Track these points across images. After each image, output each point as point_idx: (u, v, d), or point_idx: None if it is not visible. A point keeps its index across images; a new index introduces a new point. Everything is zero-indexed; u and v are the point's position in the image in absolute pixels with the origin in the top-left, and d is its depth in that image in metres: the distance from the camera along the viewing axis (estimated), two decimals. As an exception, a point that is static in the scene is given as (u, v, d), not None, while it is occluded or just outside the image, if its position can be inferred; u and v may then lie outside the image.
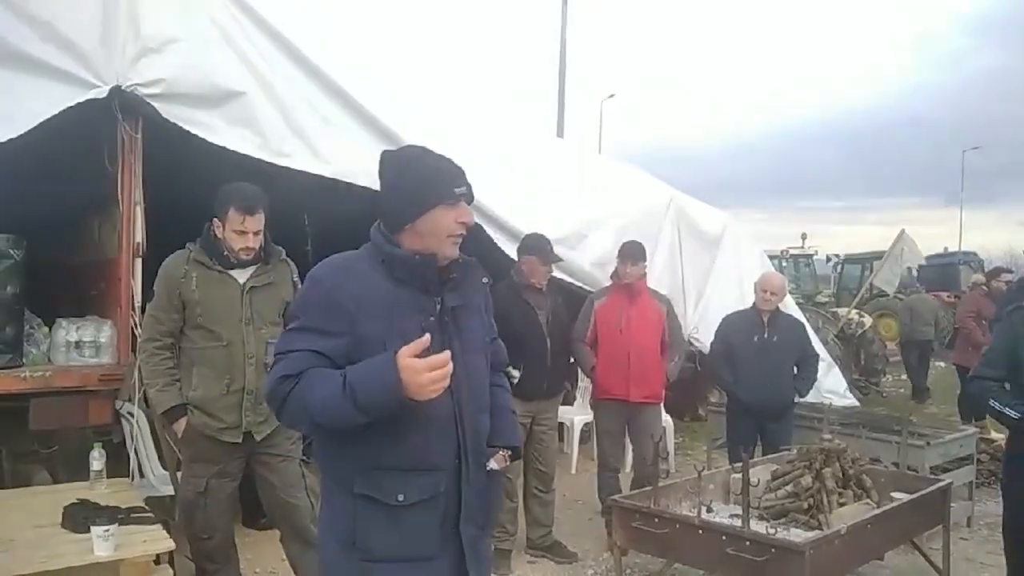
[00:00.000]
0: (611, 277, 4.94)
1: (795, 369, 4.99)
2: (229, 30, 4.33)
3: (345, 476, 1.85)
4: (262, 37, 4.48)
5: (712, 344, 5.17)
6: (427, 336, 1.67)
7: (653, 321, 4.73)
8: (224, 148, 4.26)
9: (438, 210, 1.83)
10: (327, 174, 4.60)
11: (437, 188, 1.84)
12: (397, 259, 1.83)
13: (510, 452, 2.05)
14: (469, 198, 1.89)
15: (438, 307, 1.86)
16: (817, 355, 5.25)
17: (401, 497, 1.79)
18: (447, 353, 1.68)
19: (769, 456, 4.52)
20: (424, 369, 1.63)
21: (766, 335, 4.87)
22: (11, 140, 3.70)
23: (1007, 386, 3.28)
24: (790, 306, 7.87)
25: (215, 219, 3.31)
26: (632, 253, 4.70)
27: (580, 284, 5.92)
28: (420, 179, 1.86)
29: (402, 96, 5.15)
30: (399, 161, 1.92)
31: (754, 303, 5.00)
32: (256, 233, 3.31)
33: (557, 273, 4.90)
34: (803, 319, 8.23)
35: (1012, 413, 3.19)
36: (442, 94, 5.95)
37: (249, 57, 4.36)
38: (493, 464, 1.96)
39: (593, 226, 6.10)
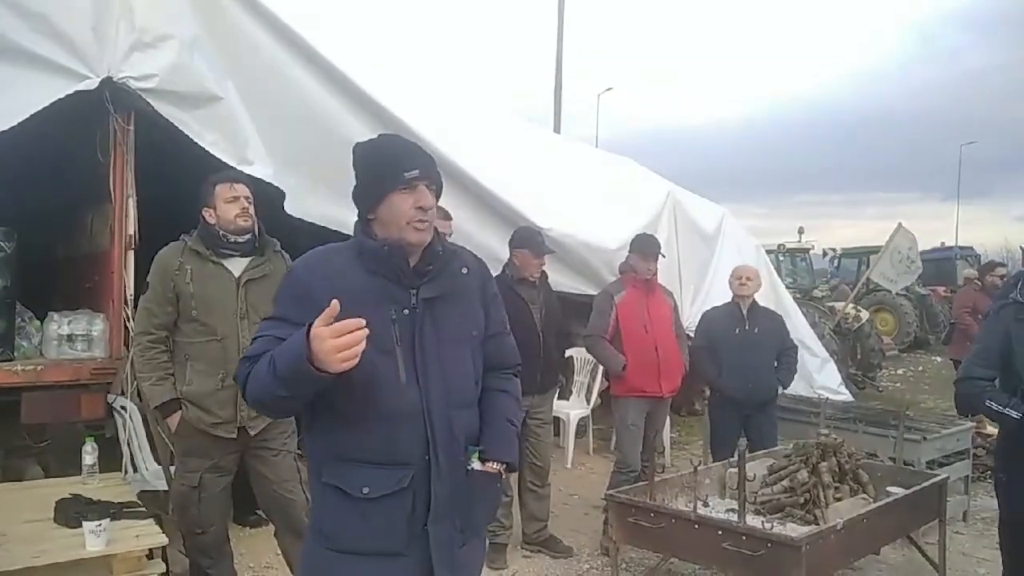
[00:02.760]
0: (621, 270, 4.91)
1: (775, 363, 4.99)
2: (222, 28, 4.32)
3: (316, 465, 1.86)
4: (261, 34, 4.46)
5: (694, 339, 5.15)
6: (335, 303, 1.55)
7: (667, 315, 4.73)
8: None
9: (393, 197, 1.79)
10: (282, 187, 4.57)
11: (387, 174, 1.80)
12: (368, 250, 1.81)
13: (504, 465, 1.93)
14: (429, 179, 1.82)
15: (413, 298, 1.81)
16: (796, 346, 5.27)
17: (366, 490, 1.75)
18: (358, 320, 1.56)
19: (765, 450, 4.52)
20: (327, 336, 1.53)
21: (747, 327, 4.88)
22: (2, 132, 3.68)
23: (997, 384, 3.19)
24: (785, 299, 7.90)
25: (204, 210, 3.30)
26: (652, 248, 4.65)
27: (574, 287, 5.92)
28: (373, 167, 1.84)
29: (405, 95, 5.13)
30: (360, 151, 1.89)
31: (732, 296, 5.02)
32: (248, 199, 3.32)
33: (553, 279, 4.85)
34: (799, 312, 8.24)
35: (1014, 414, 3.04)
36: (441, 88, 5.93)
37: (237, 58, 4.36)
38: (476, 464, 1.87)
39: (590, 220, 6.09)
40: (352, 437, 1.77)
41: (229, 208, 3.27)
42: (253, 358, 1.75)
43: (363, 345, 1.56)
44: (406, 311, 1.80)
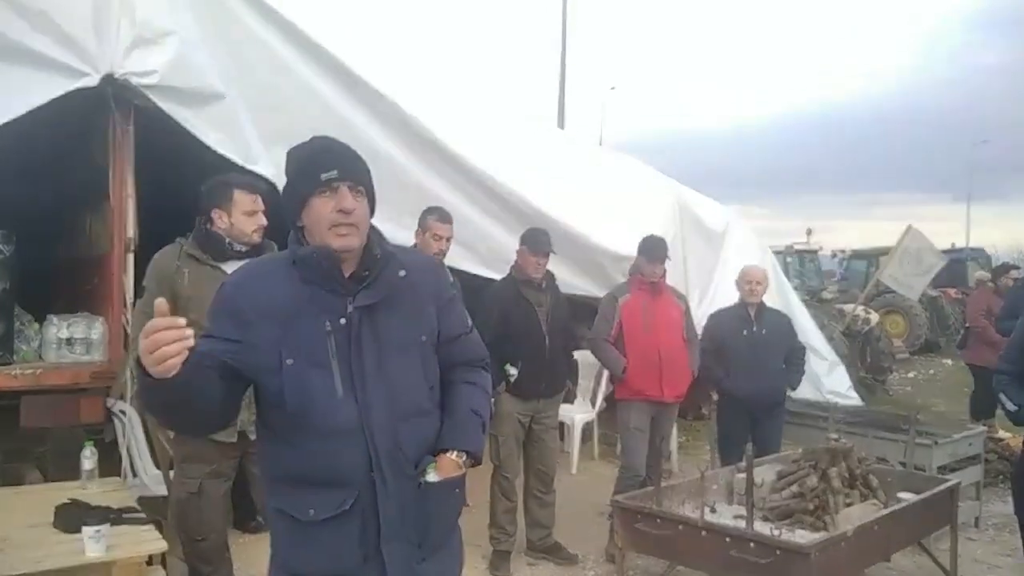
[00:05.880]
0: (630, 272, 4.87)
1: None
2: (222, 26, 4.30)
3: (267, 488, 1.80)
4: (265, 33, 4.44)
5: (701, 342, 5.10)
6: (162, 300, 1.45)
7: (675, 318, 4.67)
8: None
9: (314, 202, 1.71)
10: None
11: (304, 179, 1.72)
12: (300, 257, 1.73)
13: (464, 455, 1.81)
14: (351, 180, 1.72)
15: (349, 307, 1.72)
16: (803, 347, 5.25)
17: (311, 512, 1.68)
18: (171, 320, 1.43)
19: (774, 455, 4.46)
20: (141, 337, 1.42)
21: (755, 329, 4.86)
22: (2, 127, 3.67)
23: None
24: (793, 302, 7.83)
25: (214, 210, 3.26)
26: (658, 251, 4.59)
27: (581, 289, 5.88)
28: (293, 173, 1.77)
29: (407, 89, 5.10)
30: (289, 154, 1.81)
31: (740, 298, 4.98)
32: (265, 214, 3.29)
33: (561, 279, 4.82)
34: (807, 315, 8.16)
35: (1009, 405, 3.44)
36: (445, 87, 5.89)
37: (237, 57, 4.35)
38: (431, 476, 1.75)
39: (595, 221, 6.04)
40: (292, 458, 1.71)
41: (247, 221, 3.24)
42: None
43: (178, 348, 1.43)
44: (342, 320, 1.71)
